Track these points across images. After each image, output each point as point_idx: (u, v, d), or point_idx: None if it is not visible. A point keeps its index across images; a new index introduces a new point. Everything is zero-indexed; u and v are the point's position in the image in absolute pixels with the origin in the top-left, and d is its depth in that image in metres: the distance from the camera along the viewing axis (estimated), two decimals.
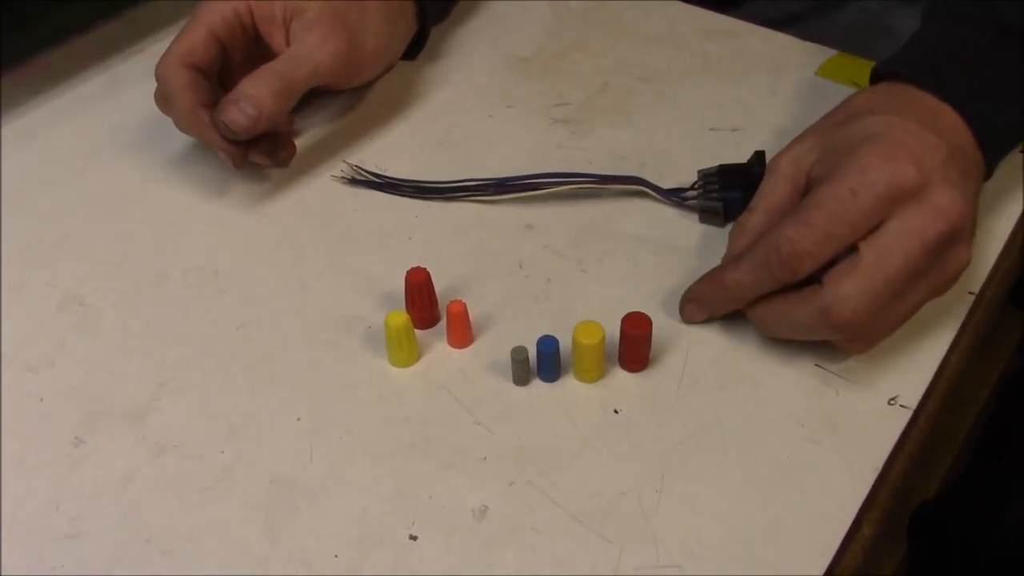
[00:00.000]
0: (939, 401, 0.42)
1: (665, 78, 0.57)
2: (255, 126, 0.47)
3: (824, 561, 0.36)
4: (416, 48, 0.59)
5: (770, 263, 0.39)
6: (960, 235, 0.39)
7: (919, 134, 0.39)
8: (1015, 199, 0.49)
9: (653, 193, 0.50)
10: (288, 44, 0.50)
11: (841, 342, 0.41)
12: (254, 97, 0.46)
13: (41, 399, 0.42)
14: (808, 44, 0.59)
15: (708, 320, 0.44)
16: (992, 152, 0.43)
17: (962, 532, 0.74)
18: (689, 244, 0.48)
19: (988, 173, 0.44)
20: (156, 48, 0.61)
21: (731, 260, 0.42)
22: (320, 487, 0.39)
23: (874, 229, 0.38)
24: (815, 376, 0.42)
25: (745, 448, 0.39)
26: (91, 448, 0.40)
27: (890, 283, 0.38)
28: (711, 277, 0.43)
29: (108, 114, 0.57)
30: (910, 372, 0.42)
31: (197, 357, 0.44)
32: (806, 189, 0.42)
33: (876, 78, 0.46)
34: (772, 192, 0.43)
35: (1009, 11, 0.45)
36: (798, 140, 0.44)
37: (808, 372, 0.42)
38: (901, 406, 0.41)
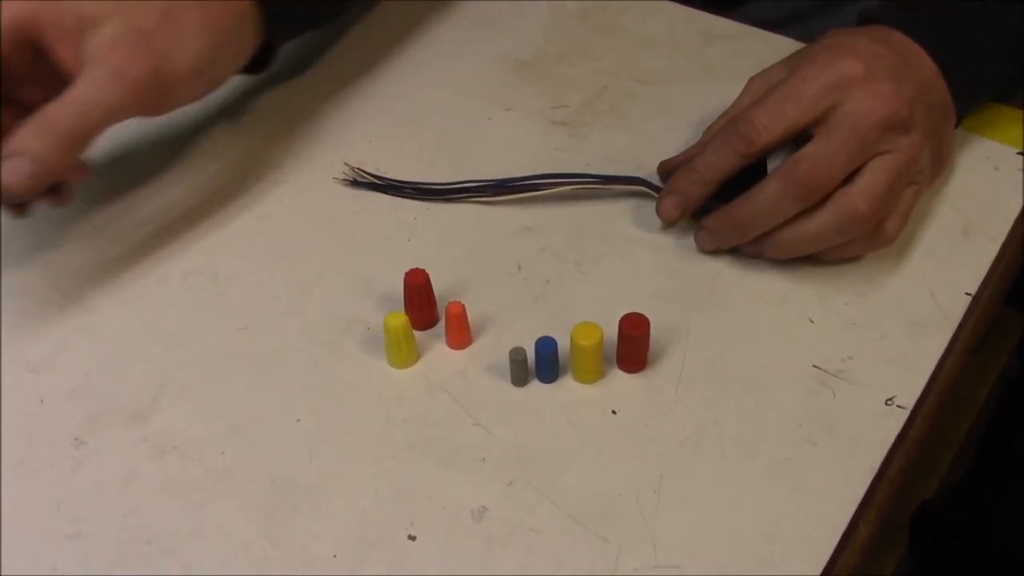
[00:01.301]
0: (936, 402, 0.42)
1: (663, 81, 0.58)
2: (38, 185, 0.40)
3: (821, 562, 0.36)
4: (262, 63, 0.51)
5: (731, 139, 0.44)
6: (907, 126, 0.43)
7: (869, 44, 0.44)
8: (1012, 200, 0.50)
9: (654, 194, 0.50)
10: (78, 61, 0.42)
11: (837, 227, 0.43)
12: (36, 154, 0.39)
13: (42, 400, 0.42)
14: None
15: (684, 215, 0.47)
16: (961, 89, 0.47)
17: (962, 532, 0.74)
18: (689, 244, 0.48)
19: (960, 112, 0.48)
20: None
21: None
22: (320, 488, 0.39)
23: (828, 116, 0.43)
24: (813, 377, 0.42)
25: (743, 449, 0.40)
26: (92, 449, 0.41)
27: (842, 144, 0.42)
28: (684, 167, 0.47)
29: None
30: (907, 373, 0.42)
31: (197, 359, 0.44)
32: None
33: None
34: (739, 103, 0.49)
35: None
36: (773, 65, 0.49)
37: (806, 373, 0.42)
38: (898, 407, 0.41)
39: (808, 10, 0.68)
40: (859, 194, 0.42)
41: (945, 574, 0.76)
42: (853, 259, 0.46)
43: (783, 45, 0.60)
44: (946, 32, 0.47)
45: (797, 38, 0.60)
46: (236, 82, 0.59)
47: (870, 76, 0.43)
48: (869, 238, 0.44)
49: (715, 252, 0.47)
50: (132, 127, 0.56)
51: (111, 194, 0.52)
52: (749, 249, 0.46)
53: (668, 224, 0.48)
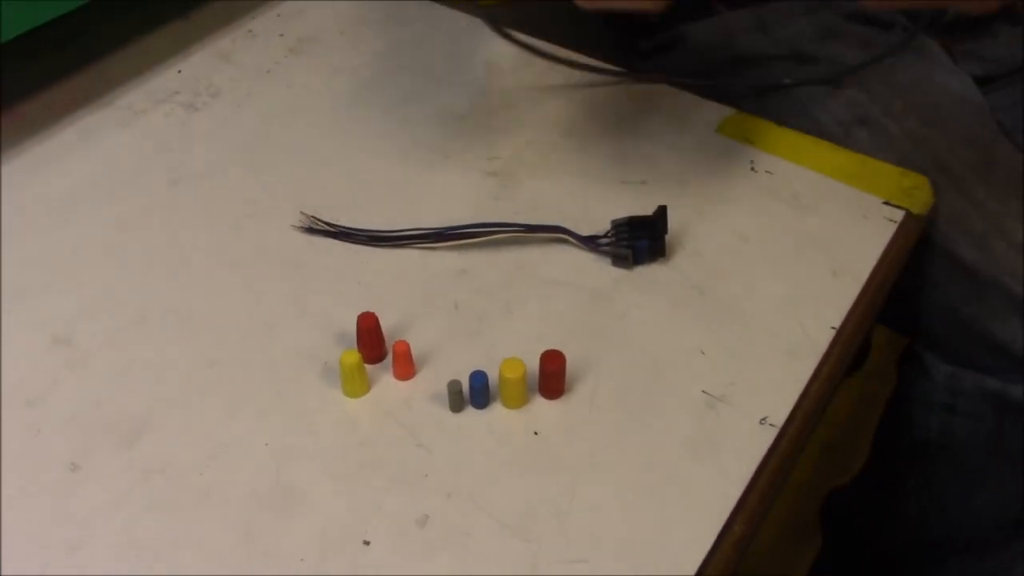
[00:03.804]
0: (804, 420, 0.50)
1: (583, 134, 0.65)
2: None
3: (702, 553, 0.44)
4: None
5: None
6: None
7: None
8: (876, 244, 0.58)
9: (573, 240, 0.58)
10: None
11: None
12: None
13: (39, 431, 0.48)
14: (710, 103, 0.67)
15: None
16: None
17: (866, 522, 0.82)
18: (602, 286, 0.55)
19: None
20: (126, 100, 0.66)
21: None
22: (287, 502, 0.46)
23: None
24: (701, 400, 0.50)
25: (642, 463, 0.47)
26: (86, 474, 0.47)
27: None
28: None
29: (81, 164, 0.62)
30: (779, 396, 0.50)
31: (177, 391, 0.50)
32: None
33: None
34: None
35: None
36: None
37: (696, 397, 0.50)
38: (770, 425, 0.49)
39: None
40: None
41: (854, 560, 0.85)
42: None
43: (689, 101, 0.68)
44: None
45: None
46: (201, 142, 0.65)
47: None
48: None
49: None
50: (107, 174, 0.61)
51: (88, 239, 0.58)
52: None
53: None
